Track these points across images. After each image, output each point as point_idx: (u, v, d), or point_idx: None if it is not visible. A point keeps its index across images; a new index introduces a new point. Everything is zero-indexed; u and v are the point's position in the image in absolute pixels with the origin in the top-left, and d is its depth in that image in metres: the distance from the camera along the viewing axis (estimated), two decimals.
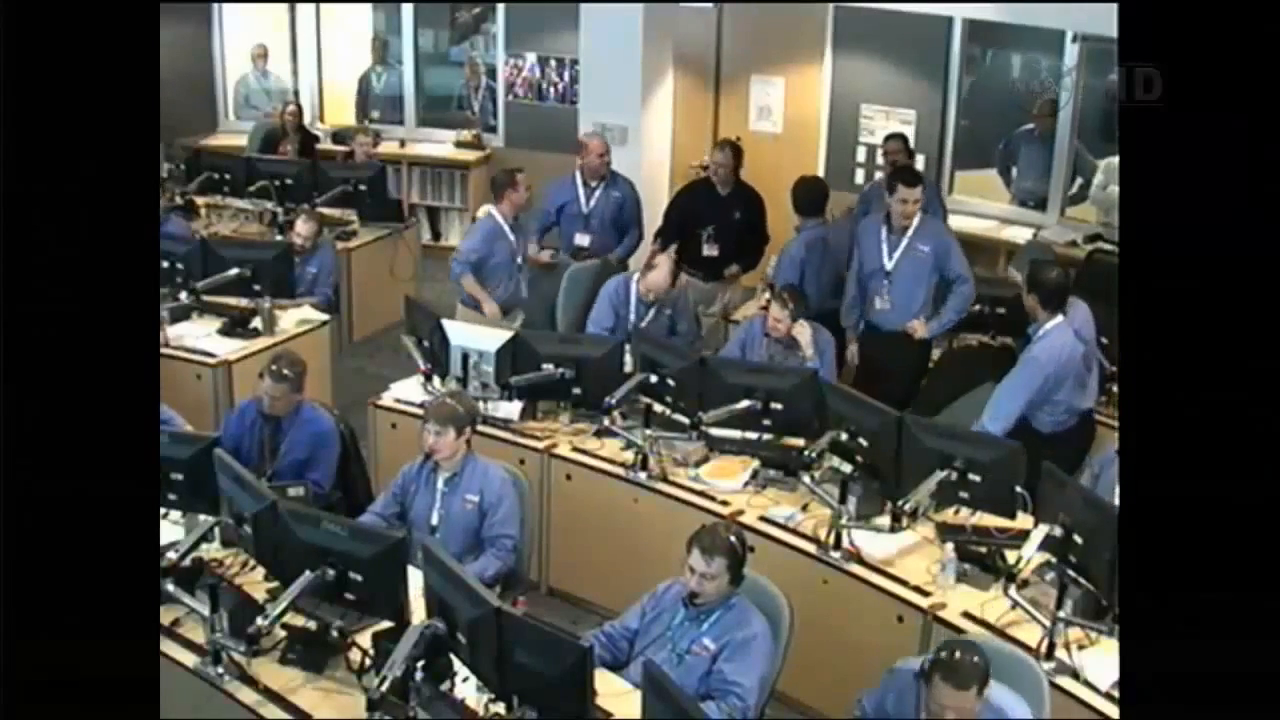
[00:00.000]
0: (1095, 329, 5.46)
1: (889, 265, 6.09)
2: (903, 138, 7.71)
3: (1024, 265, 5.82)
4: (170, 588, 3.94)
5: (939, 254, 6.06)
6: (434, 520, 4.62)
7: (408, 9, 10.31)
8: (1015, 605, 4.02)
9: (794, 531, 4.76)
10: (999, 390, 5.29)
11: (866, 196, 7.60)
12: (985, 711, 3.43)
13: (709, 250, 7.12)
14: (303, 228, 7.06)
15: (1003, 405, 5.23)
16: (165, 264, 6.32)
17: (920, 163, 8.35)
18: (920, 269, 6.07)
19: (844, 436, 4.78)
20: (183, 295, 6.37)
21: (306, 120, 9.69)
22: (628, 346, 5.58)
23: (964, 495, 4.48)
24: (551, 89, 9.70)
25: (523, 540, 4.72)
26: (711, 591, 3.88)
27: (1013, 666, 3.68)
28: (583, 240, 7.27)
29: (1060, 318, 5.27)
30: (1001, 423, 5.17)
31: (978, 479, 4.41)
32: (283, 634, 3.96)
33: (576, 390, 5.48)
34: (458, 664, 3.75)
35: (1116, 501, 4.02)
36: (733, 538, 3.91)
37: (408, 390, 5.90)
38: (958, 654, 3.40)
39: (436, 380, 5.76)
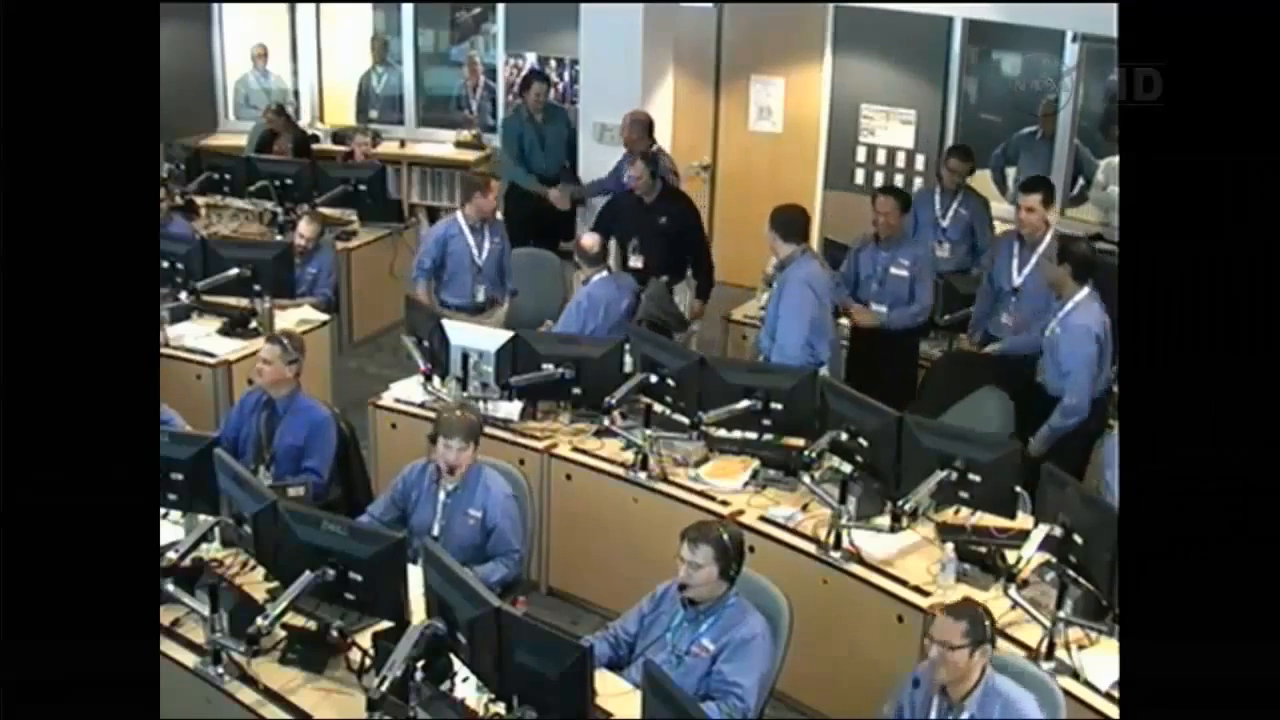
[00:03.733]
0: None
1: (1016, 282, 5.98)
2: (965, 151, 7.28)
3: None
4: (170, 588, 3.94)
5: None
6: (435, 531, 4.58)
7: (408, 9, 10.31)
8: (1015, 605, 4.02)
9: (794, 531, 4.76)
10: (1072, 372, 5.32)
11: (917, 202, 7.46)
12: (1001, 709, 3.48)
13: (634, 262, 6.93)
14: (305, 229, 7.06)
15: (1081, 384, 5.29)
16: (165, 264, 6.32)
17: (920, 163, 8.35)
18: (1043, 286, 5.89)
19: (844, 436, 4.78)
20: (183, 295, 6.37)
21: (306, 120, 9.69)
22: (628, 347, 5.58)
23: (964, 495, 4.48)
24: (551, 89, 9.68)
25: (525, 546, 4.71)
26: (699, 581, 3.87)
27: (1032, 683, 3.66)
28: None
29: (1088, 289, 5.34)
30: (1079, 398, 5.29)
31: (978, 479, 4.40)
32: (283, 634, 3.96)
33: (576, 390, 5.47)
34: (458, 664, 3.75)
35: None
36: (726, 535, 3.91)
37: (408, 390, 5.90)
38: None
39: (436, 380, 5.76)
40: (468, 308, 6.77)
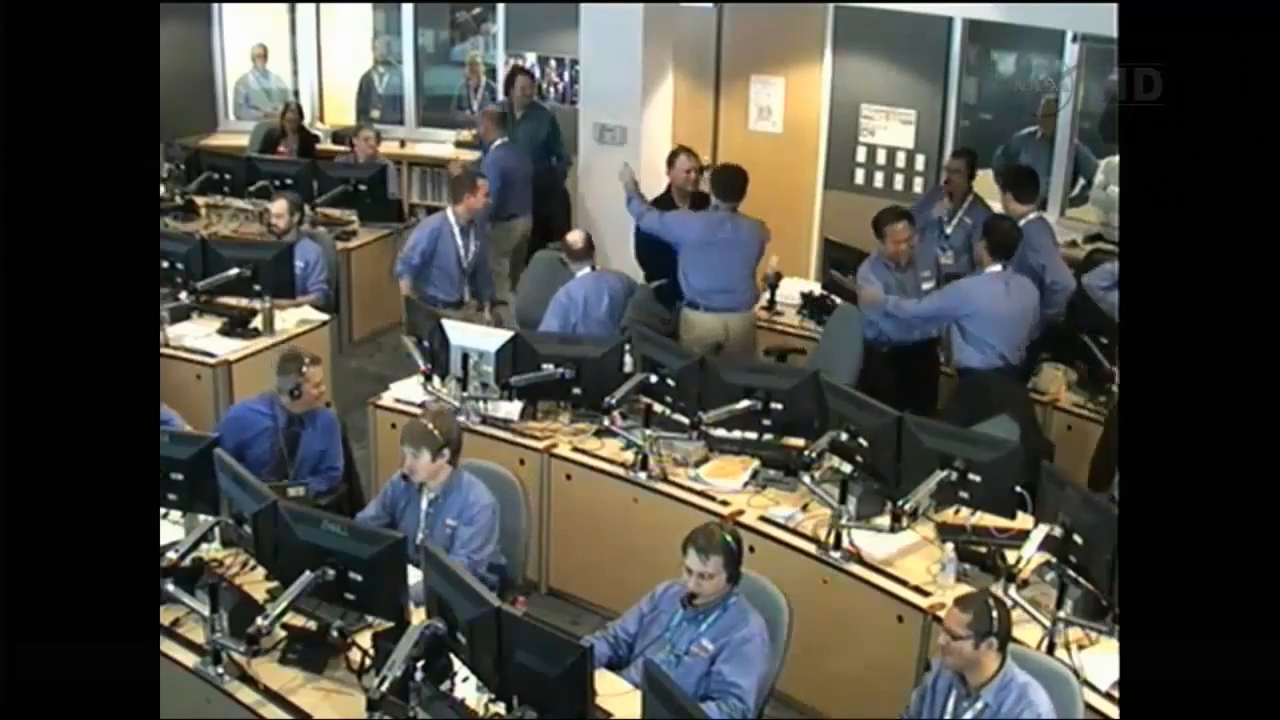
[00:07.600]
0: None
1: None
2: (961, 152, 7.36)
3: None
4: (170, 588, 3.94)
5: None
6: (418, 540, 4.46)
7: (408, 9, 10.32)
8: (1015, 605, 4.01)
9: (794, 531, 4.76)
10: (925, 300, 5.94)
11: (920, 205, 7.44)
12: (1015, 700, 3.49)
13: None
14: (274, 206, 7.01)
15: (911, 308, 5.88)
16: (165, 264, 6.32)
17: (920, 163, 8.35)
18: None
19: (844, 436, 4.78)
20: (183, 295, 6.38)
21: (306, 120, 9.69)
22: (628, 347, 5.58)
23: (964, 495, 4.48)
24: (551, 89, 9.69)
25: (516, 543, 4.68)
26: (710, 591, 3.88)
27: (1055, 683, 3.65)
28: None
29: (999, 268, 5.65)
30: (905, 315, 5.90)
31: (978, 479, 4.41)
32: (283, 634, 3.96)
33: (576, 390, 5.47)
34: (458, 664, 3.75)
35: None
36: (728, 536, 3.91)
37: (408, 390, 5.90)
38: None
39: (436, 380, 5.76)
40: (452, 303, 6.83)
